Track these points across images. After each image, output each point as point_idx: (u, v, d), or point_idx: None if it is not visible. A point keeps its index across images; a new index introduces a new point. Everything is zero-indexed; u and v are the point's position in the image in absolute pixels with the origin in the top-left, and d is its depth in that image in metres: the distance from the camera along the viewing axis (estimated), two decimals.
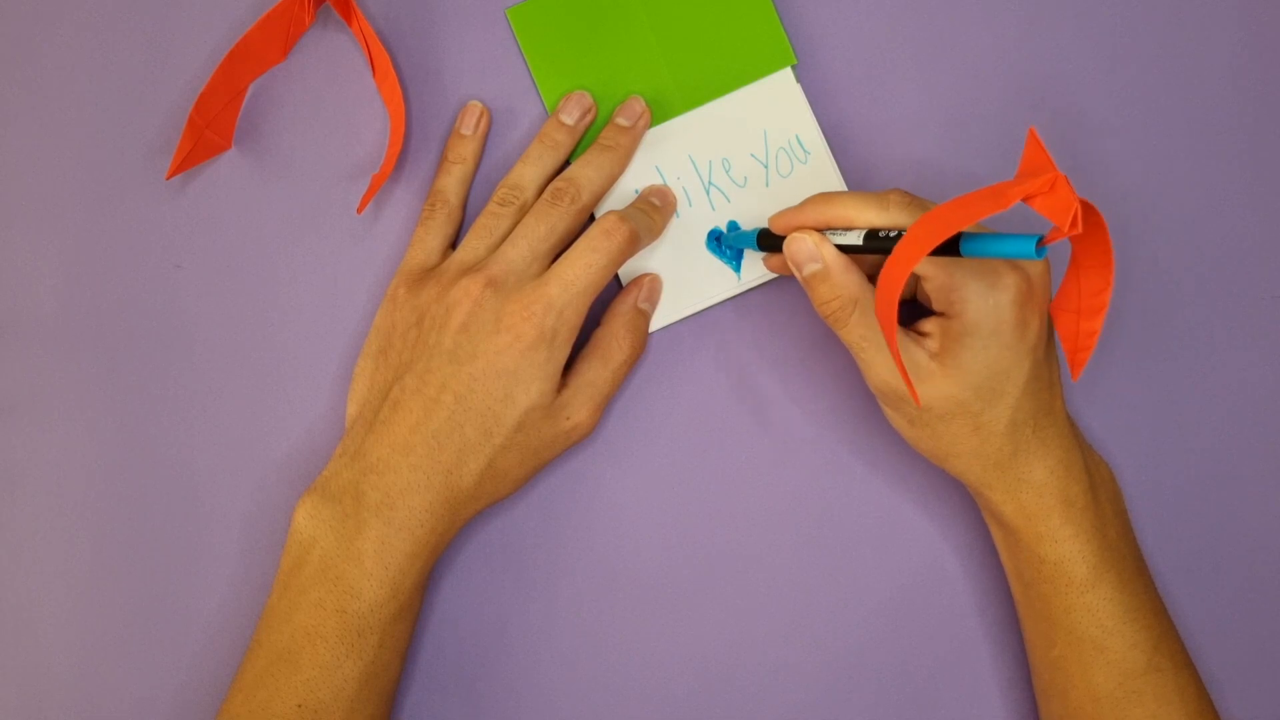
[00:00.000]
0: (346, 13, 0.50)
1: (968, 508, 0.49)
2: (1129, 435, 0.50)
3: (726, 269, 0.49)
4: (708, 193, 0.50)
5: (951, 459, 0.44)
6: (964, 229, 0.35)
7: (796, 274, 0.43)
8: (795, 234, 0.43)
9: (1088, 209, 0.34)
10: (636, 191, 0.50)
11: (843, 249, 0.42)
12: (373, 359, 0.47)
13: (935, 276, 0.40)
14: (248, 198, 0.51)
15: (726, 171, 0.50)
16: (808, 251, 0.42)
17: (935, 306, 0.41)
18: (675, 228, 0.50)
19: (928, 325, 0.42)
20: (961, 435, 0.42)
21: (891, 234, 0.40)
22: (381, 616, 0.42)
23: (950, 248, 0.37)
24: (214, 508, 0.50)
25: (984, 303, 0.40)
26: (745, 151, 0.50)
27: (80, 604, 0.49)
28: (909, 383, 0.38)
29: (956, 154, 0.51)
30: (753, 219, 0.49)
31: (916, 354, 0.41)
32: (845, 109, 0.51)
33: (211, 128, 0.50)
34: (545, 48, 0.49)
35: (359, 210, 0.50)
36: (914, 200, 0.42)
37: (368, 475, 0.43)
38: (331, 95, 0.51)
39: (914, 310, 0.46)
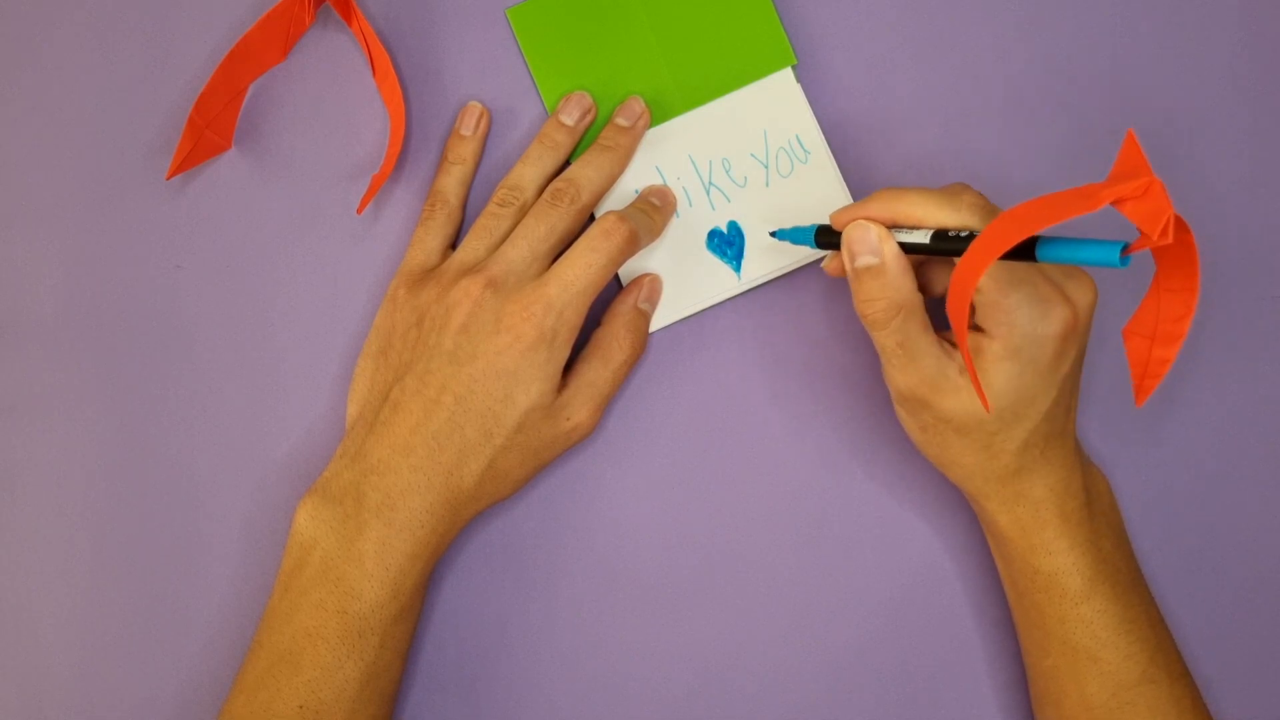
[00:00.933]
0: (346, 13, 0.50)
1: (966, 510, 0.49)
2: (1128, 438, 0.50)
3: (727, 269, 0.49)
4: (708, 193, 0.50)
5: (955, 468, 0.44)
6: (1043, 231, 0.34)
7: (848, 265, 0.41)
8: (860, 221, 0.41)
9: (1179, 224, 0.32)
10: (636, 191, 0.50)
11: (905, 247, 0.40)
12: (373, 359, 0.47)
13: (988, 292, 0.39)
14: (248, 198, 0.51)
15: (726, 171, 0.50)
16: (869, 243, 0.40)
17: (979, 320, 0.40)
18: (675, 228, 0.50)
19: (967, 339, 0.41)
20: (970, 449, 0.42)
21: (962, 234, 0.39)
22: (382, 617, 0.42)
23: (1025, 252, 0.35)
24: (214, 508, 0.50)
25: (1031, 330, 0.39)
26: (745, 151, 0.50)
27: (80, 604, 0.49)
28: (980, 393, 0.37)
29: (957, 154, 0.51)
30: (753, 219, 0.49)
31: (947, 365, 0.40)
32: (845, 109, 0.51)
33: (211, 128, 0.50)
34: (545, 48, 0.49)
35: (359, 210, 0.50)
36: (986, 203, 0.40)
37: (368, 476, 0.43)
38: (331, 95, 0.51)
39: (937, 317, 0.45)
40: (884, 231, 0.40)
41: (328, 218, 0.51)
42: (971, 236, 0.38)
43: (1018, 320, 0.38)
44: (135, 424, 0.50)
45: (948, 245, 0.39)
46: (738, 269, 0.49)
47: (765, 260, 0.49)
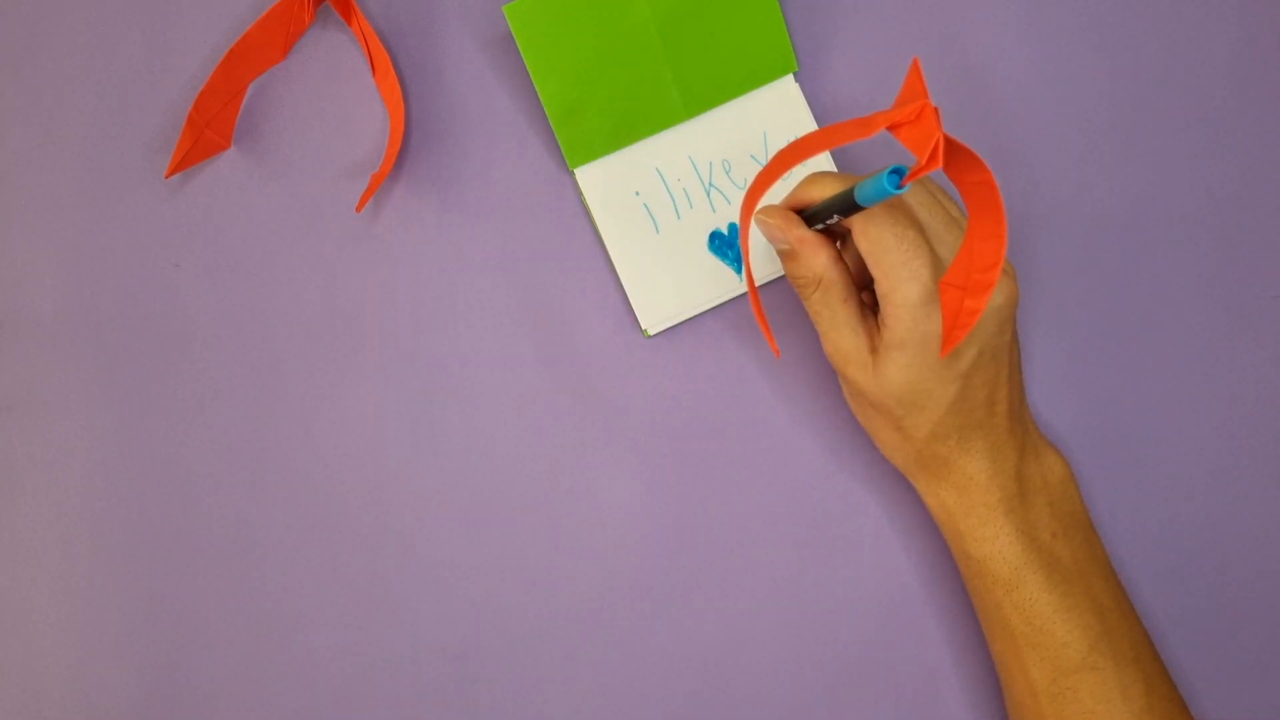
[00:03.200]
0: (346, 12, 0.50)
1: None
2: (1125, 436, 0.50)
3: (728, 270, 0.49)
4: (708, 194, 0.50)
5: (879, 444, 0.46)
6: (823, 151, 0.36)
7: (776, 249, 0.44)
8: (759, 216, 0.43)
9: (973, 162, 0.32)
10: (637, 194, 0.50)
11: (814, 223, 0.42)
12: None
13: (881, 283, 0.40)
14: (247, 197, 0.51)
15: (727, 173, 0.50)
16: (771, 234, 0.43)
17: (880, 313, 0.42)
18: (677, 229, 0.49)
19: (878, 321, 0.42)
20: (885, 428, 0.44)
21: (818, 207, 0.41)
22: None
23: (853, 206, 0.37)
24: (212, 507, 0.50)
25: (914, 326, 0.40)
26: (746, 153, 0.50)
27: (79, 604, 0.49)
28: (768, 335, 0.41)
29: None
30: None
31: (864, 340, 0.42)
32: (845, 110, 0.51)
33: (211, 127, 0.50)
34: (544, 47, 0.49)
35: (358, 209, 0.50)
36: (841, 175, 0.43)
37: None
38: (331, 95, 0.51)
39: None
40: (784, 218, 0.42)
41: (327, 217, 0.51)
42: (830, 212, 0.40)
43: (903, 316, 0.40)
44: (134, 422, 0.50)
45: (821, 212, 0.41)
46: (739, 268, 0.49)
47: (767, 262, 0.49)
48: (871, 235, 0.40)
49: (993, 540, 0.43)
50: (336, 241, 0.51)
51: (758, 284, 0.50)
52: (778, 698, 0.49)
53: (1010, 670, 0.44)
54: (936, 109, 0.31)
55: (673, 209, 0.50)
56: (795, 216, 0.43)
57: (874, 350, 0.42)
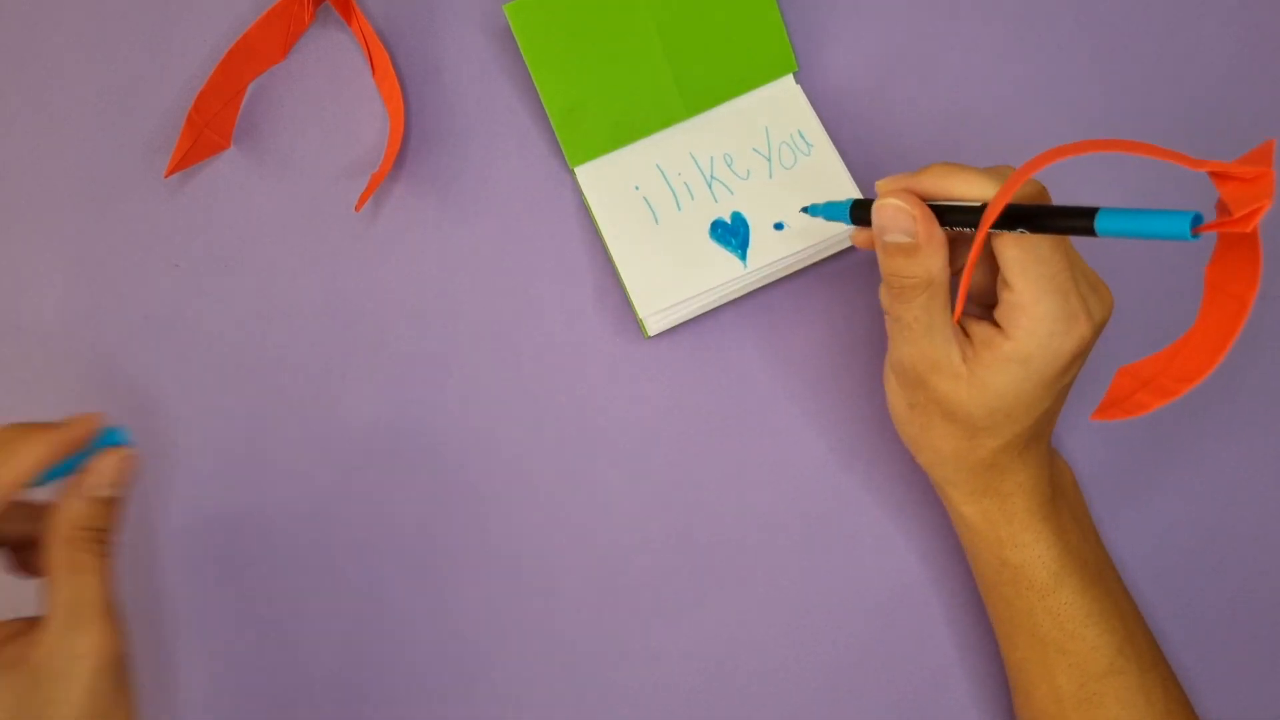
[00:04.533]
0: (346, 12, 0.50)
1: None
2: (1122, 438, 0.50)
3: (732, 257, 0.49)
4: (710, 186, 0.50)
5: (929, 451, 0.43)
6: (1133, 152, 0.32)
7: (876, 239, 0.40)
8: (892, 201, 0.39)
9: (1250, 266, 0.30)
10: (637, 188, 0.49)
11: (949, 221, 0.38)
12: None
13: (1020, 292, 0.37)
14: (246, 196, 0.51)
15: (729, 165, 0.50)
16: (901, 224, 0.39)
17: (999, 316, 0.39)
18: (677, 220, 0.49)
19: (978, 329, 0.40)
20: (952, 437, 0.41)
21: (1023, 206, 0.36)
22: None
23: (1082, 226, 0.34)
24: (213, 507, 0.49)
25: (1049, 342, 0.38)
26: (747, 146, 0.50)
27: None
28: (962, 298, 0.37)
29: (957, 155, 0.51)
30: (757, 208, 0.49)
31: (954, 350, 0.40)
32: (845, 110, 0.51)
33: (211, 126, 0.50)
34: (544, 46, 0.49)
35: (357, 208, 0.50)
36: (1037, 183, 0.39)
37: None
38: (331, 94, 0.51)
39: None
40: (922, 211, 0.38)
41: (326, 216, 0.51)
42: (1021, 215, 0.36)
43: (1039, 330, 0.37)
44: (133, 422, 0.50)
45: (1002, 221, 0.36)
46: (743, 257, 0.49)
47: (772, 248, 0.49)
48: (1026, 243, 0.37)
49: (1032, 545, 0.42)
50: (336, 241, 0.51)
51: (761, 272, 0.49)
52: (779, 698, 0.48)
53: (1033, 678, 0.44)
54: (1275, 178, 0.29)
55: (673, 201, 0.49)
56: (929, 210, 0.39)
57: (968, 359, 0.39)
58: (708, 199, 0.49)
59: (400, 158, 0.51)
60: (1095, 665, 0.42)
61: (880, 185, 0.41)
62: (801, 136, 0.49)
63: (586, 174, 0.50)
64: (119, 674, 0.37)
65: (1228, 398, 0.50)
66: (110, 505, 0.39)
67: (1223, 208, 0.31)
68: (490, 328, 0.50)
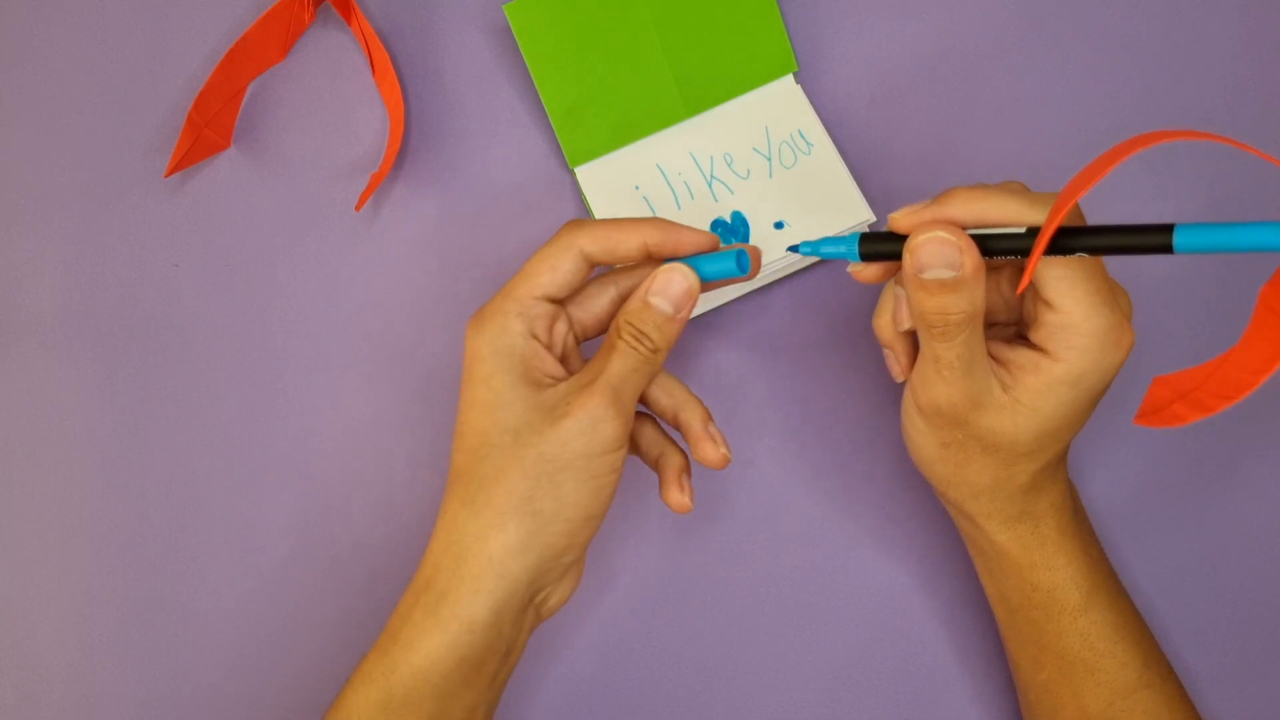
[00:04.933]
0: (346, 12, 0.50)
1: None
2: (1121, 440, 0.50)
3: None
4: (710, 185, 0.49)
5: (964, 486, 0.41)
6: (1216, 140, 0.30)
7: (910, 275, 0.36)
8: (938, 234, 0.35)
9: None
10: (637, 188, 0.49)
11: (989, 249, 0.36)
12: None
13: (1067, 312, 0.35)
14: (246, 196, 0.51)
15: (729, 165, 0.50)
16: (947, 257, 0.35)
17: (1041, 338, 0.37)
18: (678, 218, 0.49)
19: (1015, 354, 0.38)
20: (990, 468, 0.39)
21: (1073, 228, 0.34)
22: None
23: (1158, 245, 0.31)
24: (212, 506, 0.49)
25: (1100, 359, 0.36)
26: (748, 146, 0.50)
27: (79, 604, 0.49)
28: (1029, 274, 0.33)
29: (957, 154, 0.51)
30: (758, 208, 0.49)
31: (993, 382, 0.37)
32: (845, 109, 0.51)
33: (210, 126, 0.50)
34: (545, 46, 0.49)
35: (357, 208, 0.50)
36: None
37: None
38: (331, 94, 0.51)
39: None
40: (967, 242, 0.35)
41: (326, 216, 0.51)
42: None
43: (1091, 347, 0.36)
44: (133, 422, 0.50)
45: (1053, 244, 0.34)
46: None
47: (772, 248, 0.49)
48: (1070, 260, 0.35)
49: (1066, 566, 0.41)
50: (336, 241, 0.51)
51: (763, 271, 0.48)
52: (779, 697, 0.48)
53: (1060, 700, 0.43)
54: None
55: (673, 200, 0.49)
56: (968, 237, 0.36)
57: (1009, 387, 0.37)
58: (708, 198, 0.49)
59: (400, 158, 0.51)
60: (1124, 682, 0.42)
61: (900, 219, 0.38)
62: (802, 136, 0.49)
63: (587, 174, 0.50)
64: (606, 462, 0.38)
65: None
66: (651, 312, 0.39)
67: None
68: None
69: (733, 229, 0.49)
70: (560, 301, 0.40)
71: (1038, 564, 0.41)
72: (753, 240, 0.49)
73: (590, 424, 0.37)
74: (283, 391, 0.50)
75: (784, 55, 0.50)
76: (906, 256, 0.36)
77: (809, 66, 0.51)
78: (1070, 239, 0.33)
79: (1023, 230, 0.35)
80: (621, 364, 0.39)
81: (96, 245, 0.50)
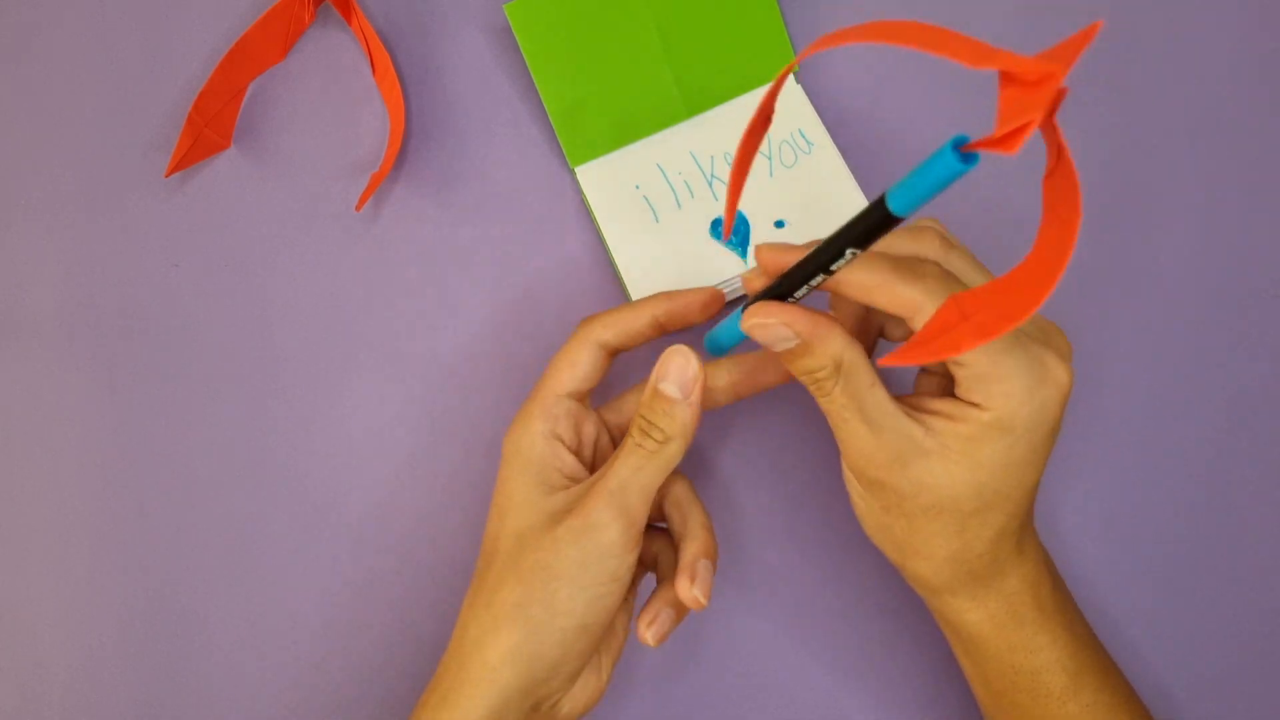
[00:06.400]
0: (346, 11, 0.50)
1: None
2: (1121, 446, 0.50)
3: (733, 255, 0.49)
4: (710, 184, 0.50)
5: (919, 560, 0.38)
6: (918, 49, 0.27)
7: (769, 351, 0.37)
8: (757, 321, 0.36)
9: (1056, 147, 0.26)
10: (637, 187, 0.49)
11: (791, 293, 0.35)
12: None
13: (975, 365, 0.34)
14: (246, 196, 0.51)
15: (729, 164, 0.50)
16: (776, 333, 0.36)
17: (963, 393, 0.35)
18: (677, 218, 0.49)
19: (940, 404, 0.36)
20: (941, 534, 0.37)
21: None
22: None
23: (881, 221, 0.30)
24: (212, 506, 0.49)
25: (1030, 398, 0.34)
26: None
27: (79, 604, 0.49)
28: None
29: None
30: (758, 207, 0.49)
31: (911, 428, 0.35)
32: (845, 109, 0.51)
33: (211, 126, 0.50)
34: (545, 45, 0.49)
35: (358, 208, 0.50)
36: (948, 277, 0.35)
37: None
38: (331, 94, 0.51)
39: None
40: (782, 309, 0.35)
41: (327, 216, 0.51)
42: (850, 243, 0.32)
43: (1014, 391, 0.34)
44: (133, 422, 0.50)
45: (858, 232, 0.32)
46: (744, 254, 0.49)
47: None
48: (928, 286, 0.33)
49: (1049, 647, 0.38)
50: (336, 241, 0.51)
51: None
52: (780, 697, 0.48)
53: None
54: (1064, 90, 0.25)
55: (673, 200, 0.49)
56: (785, 304, 0.36)
57: (937, 433, 0.35)
58: (708, 198, 0.49)
59: (400, 158, 0.51)
60: None
61: (746, 278, 0.39)
62: (802, 135, 0.50)
63: (587, 174, 0.50)
64: (610, 565, 0.37)
65: (1229, 397, 0.50)
66: (660, 399, 0.38)
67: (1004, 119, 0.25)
68: (491, 327, 0.50)
69: (733, 228, 0.49)
70: (586, 400, 0.40)
71: (1016, 646, 0.39)
72: (753, 239, 0.49)
73: (585, 529, 0.37)
74: (282, 391, 0.50)
75: (784, 55, 0.50)
76: (756, 338, 0.36)
77: (809, 66, 0.51)
78: (823, 255, 0.33)
79: (809, 259, 0.34)
80: (627, 463, 0.38)
81: (96, 245, 0.50)
